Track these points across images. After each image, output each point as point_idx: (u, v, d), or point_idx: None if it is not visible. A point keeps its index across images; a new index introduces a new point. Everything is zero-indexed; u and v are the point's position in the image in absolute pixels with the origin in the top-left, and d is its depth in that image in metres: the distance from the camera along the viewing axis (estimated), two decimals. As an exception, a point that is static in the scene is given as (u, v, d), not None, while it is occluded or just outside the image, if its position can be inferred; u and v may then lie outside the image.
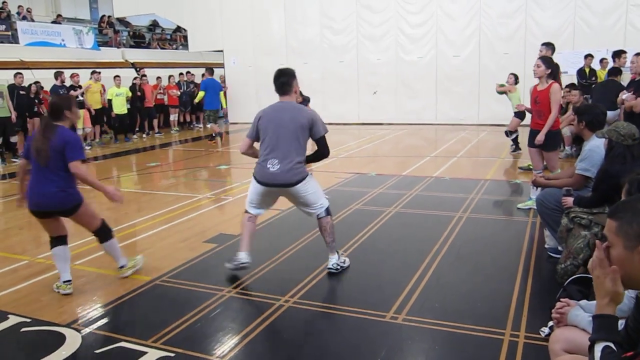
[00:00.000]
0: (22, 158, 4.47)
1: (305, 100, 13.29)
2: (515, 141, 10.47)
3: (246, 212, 4.65)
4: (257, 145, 4.51)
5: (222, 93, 14.26)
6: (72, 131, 4.34)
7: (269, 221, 6.22)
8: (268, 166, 4.27)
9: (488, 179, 8.09)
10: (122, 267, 4.60)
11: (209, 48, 19.93)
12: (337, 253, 4.63)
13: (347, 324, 3.61)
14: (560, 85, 6.26)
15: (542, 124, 5.98)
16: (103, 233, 4.56)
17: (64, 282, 4.31)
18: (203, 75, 14.77)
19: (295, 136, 4.30)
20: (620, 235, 1.68)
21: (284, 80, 4.43)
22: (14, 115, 11.75)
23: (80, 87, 13.38)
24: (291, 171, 4.26)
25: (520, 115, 10.16)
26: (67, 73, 13.40)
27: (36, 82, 14.09)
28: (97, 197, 8.03)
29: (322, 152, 4.44)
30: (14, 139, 11.99)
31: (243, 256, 4.48)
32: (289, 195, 4.50)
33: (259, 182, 4.40)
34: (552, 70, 6.06)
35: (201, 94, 13.70)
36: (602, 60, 12.30)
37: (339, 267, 4.57)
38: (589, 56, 11.96)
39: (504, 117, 14.90)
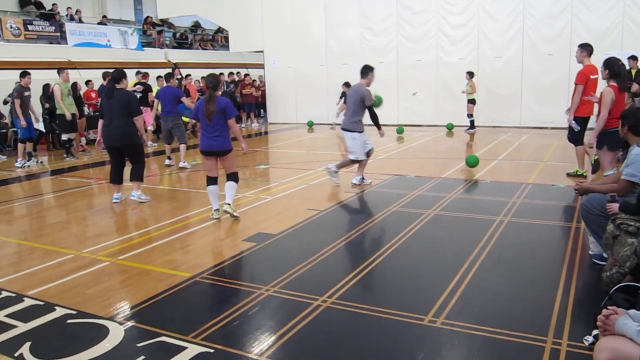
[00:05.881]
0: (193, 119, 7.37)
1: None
2: (472, 122, 14.59)
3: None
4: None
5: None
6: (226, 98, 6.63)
7: (308, 221, 6.25)
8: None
9: (530, 183, 7.93)
10: (228, 203, 6.44)
11: (249, 49, 20.15)
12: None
13: (384, 326, 3.59)
14: (620, 87, 6.52)
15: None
16: (235, 177, 6.55)
17: (214, 210, 6.45)
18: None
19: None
20: None
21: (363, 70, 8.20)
22: (68, 114, 11.56)
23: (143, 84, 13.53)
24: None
25: (472, 101, 14.55)
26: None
27: (87, 82, 14.60)
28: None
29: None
30: (64, 136, 12.01)
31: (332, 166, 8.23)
32: None
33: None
34: (611, 71, 6.60)
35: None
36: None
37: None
38: (632, 58, 11.51)
39: (548, 119, 14.70)
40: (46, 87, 12.87)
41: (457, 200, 7.06)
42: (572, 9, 14.45)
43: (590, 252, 4.70)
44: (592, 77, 7.79)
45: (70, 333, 3.60)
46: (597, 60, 7.93)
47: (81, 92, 13.75)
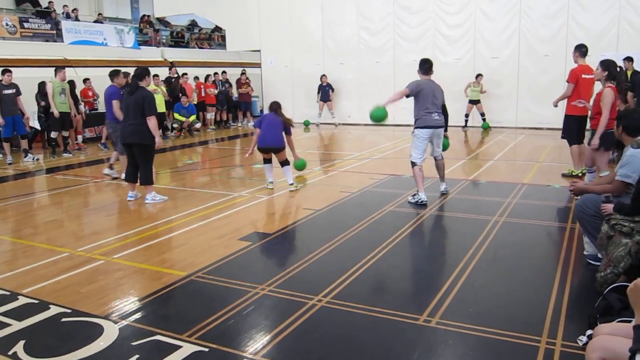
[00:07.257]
0: (256, 127, 7.99)
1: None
2: (466, 120, 15.35)
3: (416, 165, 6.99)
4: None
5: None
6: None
7: (303, 220, 6.25)
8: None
9: (526, 183, 7.95)
10: (291, 184, 7.85)
11: (246, 48, 20.12)
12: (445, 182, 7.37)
13: (379, 326, 3.59)
14: (617, 88, 6.65)
15: (595, 124, 6.86)
16: (287, 162, 7.93)
17: (269, 182, 8.03)
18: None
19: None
20: None
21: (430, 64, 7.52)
22: (73, 112, 12.30)
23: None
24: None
25: (474, 102, 15.09)
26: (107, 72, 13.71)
27: (85, 80, 14.58)
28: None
29: None
30: (54, 134, 12.02)
31: (424, 195, 6.81)
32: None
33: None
34: (609, 73, 6.68)
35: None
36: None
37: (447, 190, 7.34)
38: (627, 59, 11.51)
39: (544, 120, 14.73)
40: (42, 84, 12.83)
41: (453, 200, 7.08)
42: (568, 9, 14.48)
43: (585, 253, 4.71)
44: (583, 76, 7.81)
45: (65, 331, 3.59)
46: (593, 61, 7.95)
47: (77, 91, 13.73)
